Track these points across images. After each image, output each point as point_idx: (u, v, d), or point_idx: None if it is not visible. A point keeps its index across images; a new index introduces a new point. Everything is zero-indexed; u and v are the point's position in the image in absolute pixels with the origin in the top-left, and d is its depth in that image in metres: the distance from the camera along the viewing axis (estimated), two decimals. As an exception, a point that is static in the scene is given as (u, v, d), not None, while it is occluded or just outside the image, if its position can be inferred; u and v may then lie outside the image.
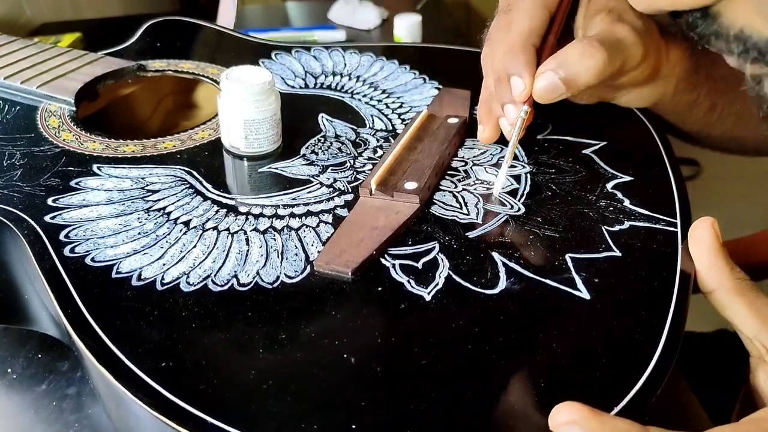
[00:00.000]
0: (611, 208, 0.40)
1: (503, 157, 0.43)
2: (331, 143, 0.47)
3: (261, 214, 0.40)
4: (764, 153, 0.56)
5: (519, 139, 0.41)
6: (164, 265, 0.36)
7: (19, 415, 0.40)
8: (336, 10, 1.00)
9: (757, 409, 0.32)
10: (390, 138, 0.48)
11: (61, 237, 0.37)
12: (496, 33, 0.43)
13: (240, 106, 0.44)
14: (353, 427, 0.27)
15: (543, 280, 0.35)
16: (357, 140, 0.48)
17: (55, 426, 0.40)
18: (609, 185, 0.42)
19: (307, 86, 0.56)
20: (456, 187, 0.42)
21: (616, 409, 0.28)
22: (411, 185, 0.40)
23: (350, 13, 0.99)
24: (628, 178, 0.43)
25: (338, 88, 0.55)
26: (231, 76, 0.45)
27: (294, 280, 0.35)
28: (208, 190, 0.42)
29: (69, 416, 0.40)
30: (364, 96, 0.54)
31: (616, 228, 0.38)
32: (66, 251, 0.36)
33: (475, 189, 0.42)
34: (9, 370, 0.43)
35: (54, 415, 0.40)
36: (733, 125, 0.51)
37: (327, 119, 0.50)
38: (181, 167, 0.44)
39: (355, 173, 0.44)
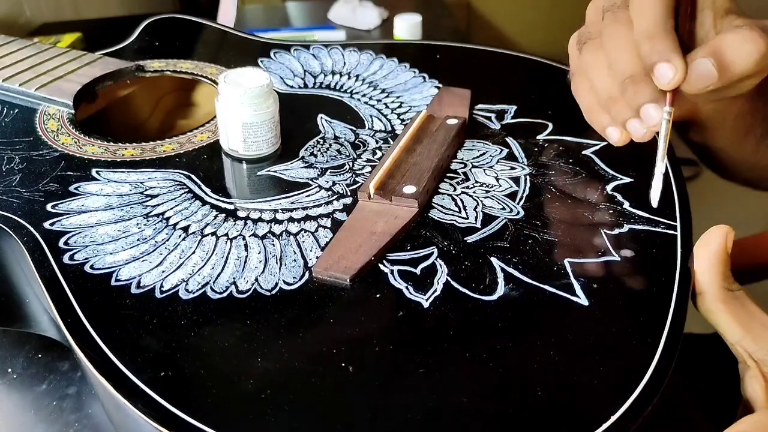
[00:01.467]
0: (611, 211, 0.40)
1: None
2: (330, 145, 0.47)
3: (260, 219, 0.40)
4: None
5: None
6: (163, 272, 0.36)
7: (20, 415, 0.41)
8: (336, 10, 1.00)
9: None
10: (389, 139, 0.48)
11: (61, 244, 0.37)
12: (613, 29, 0.38)
13: (238, 109, 0.44)
14: (351, 437, 0.27)
15: (541, 285, 0.34)
16: (356, 142, 0.48)
17: (55, 426, 0.40)
18: (609, 187, 0.42)
19: (306, 86, 0.56)
20: (455, 190, 0.42)
21: (615, 417, 0.28)
22: (410, 189, 0.40)
23: (350, 13, 0.98)
24: (628, 180, 0.42)
25: (337, 88, 0.55)
26: (229, 79, 0.45)
27: (292, 287, 0.35)
28: (206, 194, 0.42)
29: (69, 416, 0.40)
30: (364, 95, 0.54)
31: (616, 231, 0.38)
32: (65, 258, 0.36)
33: (474, 192, 0.42)
34: (9, 370, 0.43)
35: (54, 414, 0.40)
36: None
37: (326, 120, 0.50)
38: (180, 171, 0.44)
39: (353, 176, 0.44)
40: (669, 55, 0.35)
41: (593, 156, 0.45)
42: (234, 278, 0.35)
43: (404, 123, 0.50)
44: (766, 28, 0.36)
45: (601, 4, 0.40)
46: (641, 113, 0.37)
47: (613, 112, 0.39)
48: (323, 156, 0.46)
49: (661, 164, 0.37)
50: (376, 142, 0.48)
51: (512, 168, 0.44)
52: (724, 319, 0.33)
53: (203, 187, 0.43)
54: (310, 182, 0.43)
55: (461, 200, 0.41)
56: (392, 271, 0.36)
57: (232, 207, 0.41)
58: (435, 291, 0.34)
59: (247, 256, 0.37)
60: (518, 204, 0.41)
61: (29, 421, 0.40)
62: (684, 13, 0.37)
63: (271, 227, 0.39)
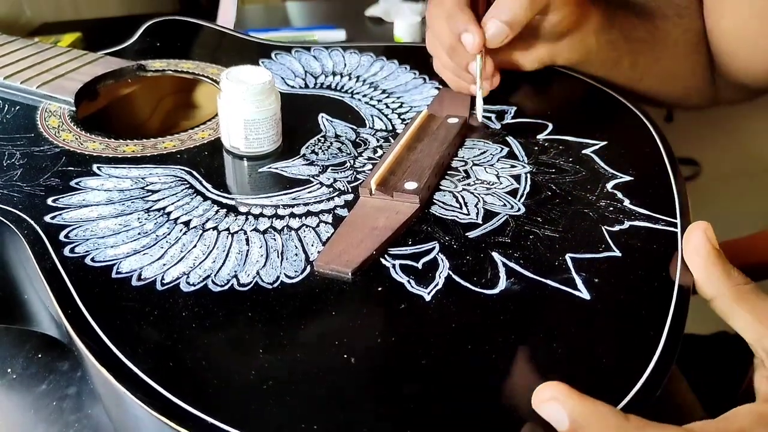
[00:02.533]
0: (611, 208, 0.40)
1: (501, 154, 0.46)
2: (331, 143, 0.47)
3: (261, 214, 0.40)
4: (687, 106, 0.64)
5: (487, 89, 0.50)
6: (164, 265, 0.36)
7: (20, 415, 0.40)
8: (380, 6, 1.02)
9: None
10: (390, 138, 0.48)
11: (61, 237, 0.37)
12: (435, 10, 0.50)
13: (240, 106, 0.44)
14: (353, 427, 0.27)
15: (543, 280, 0.34)
16: (357, 140, 0.48)
17: (55, 426, 0.40)
18: (609, 185, 0.42)
19: (307, 86, 0.56)
20: (456, 187, 0.42)
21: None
22: (411, 185, 0.40)
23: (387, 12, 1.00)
24: (628, 178, 0.43)
25: (338, 88, 0.55)
26: (231, 76, 0.45)
27: (294, 281, 0.35)
28: (208, 190, 0.42)
29: (69, 416, 0.40)
30: (364, 96, 0.54)
31: (616, 228, 0.38)
32: (66, 251, 0.36)
33: (475, 189, 0.42)
34: (9, 370, 0.43)
35: (54, 415, 0.40)
36: (658, 84, 0.58)
37: (327, 119, 0.50)
38: (181, 167, 0.44)
39: (355, 173, 0.44)
40: (467, 26, 0.47)
41: (593, 155, 0.45)
42: (235, 271, 0.35)
43: (405, 122, 0.50)
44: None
45: None
46: (469, 69, 0.50)
47: (453, 69, 0.52)
48: (324, 154, 0.46)
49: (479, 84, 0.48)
50: (377, 140, 0.48)
51: (513, 166, 0.44)
52: (743, 317, 0.32)
53: (204, 183, 0.43)
54: (312, 179, 0.43)
55: (462, 197, 0.41)
56: (394, 266, 0.36)
57: (233, 202, 0.41)
58: (437, 285, 0.34)
59: (248, 250, 0.37)
60: (519, 201, 0.41)
61: (29, 422, 0.40)
62: None
63: (272, 222, 0.39)
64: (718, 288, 0.33)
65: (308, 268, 0.35)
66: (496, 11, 0.47)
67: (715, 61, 0.58)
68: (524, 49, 0.52)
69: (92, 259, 0.36)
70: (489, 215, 0.39)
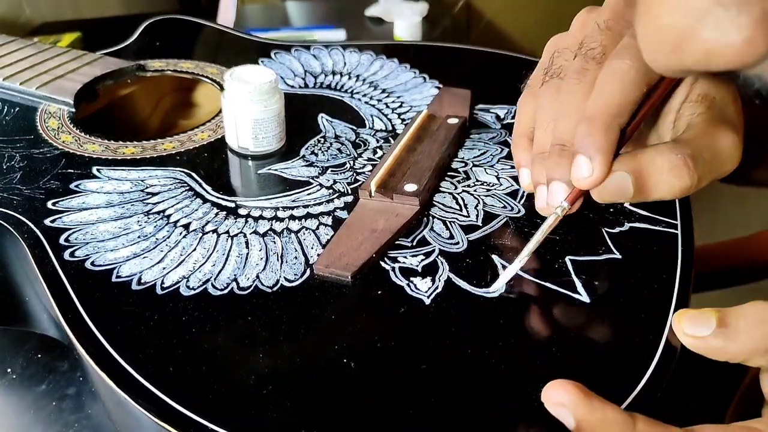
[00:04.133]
0: (611, 210, 0.40)
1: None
2: (331, 144, 0.47)
3: (261, 217, 0.40)
4: None
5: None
6: (164, 268, 0.36)
7: (19, 415, 0.40)
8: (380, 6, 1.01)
9: (755, 402, 0.32)
10: (390, 138, 0.48)
11: (61, 241, 0.37)
12: (577, 83, 0.34)
13: (248, 106, 0.44)
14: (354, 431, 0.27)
15: (543, 283, 0.34)
16: (357, 141, 0.48)
17: (55, 426, 0.40)
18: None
19: (306, 86, 0.56)
20: (456, 188, 0.42)
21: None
22: (411, 187, 0.40)
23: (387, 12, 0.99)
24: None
25: (338, 88, 0.55)
26: (235, 76, 0.45)
27: (294, 284, 0.35)
28: (207, 192, 0.42)
29: (69, 416, 0.40)
30: (364, 95, 0.54)
31: (617, 230, 0.38)
32: (66, 255, 0.36)
33: (475, 190, 0.42)
34: (9, 370, 0.43)
35: (54, 415, 0.40)
36: None
37: (327, 119, 0.50)
38: (181, 169, 0.44)
39: (354, 174, 0.44)
40: (594, 153, 0.32)
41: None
42: (235, 275, 0.35)
43: (405, 122, 0.50)
44: (700, 154, 0.32)
45: (586, 28, 0.37)
46: (549, 185, 0.35)
47: (536, 166, 0.36)
48: (324, 155, 0.46)
49: (525, 256, 0.34)
50: (377, 141, 0.48)
51: (513, 167, 0.44)
52: None
53: (204, 185, 0.43)
54: (311, 180, 0.43)
55: (462, 198, 0.41)
56: (393, 268, 0.36)
57: (233, 205, 0.41)
58: (436, 288, 0.34)
59: (248, 254, 0.37)
60: (519, 202, 0.41)
61: (29, 422, 0.40)
62: (659, 97, 0.34)
63: (272, 225, 0.39)
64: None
65: (308, 272, 0.35)
66: (635, 165, 0.32)
67: None
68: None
69: (92, 263, 0.36)
70: (489, 217, 0.39)
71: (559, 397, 0.27)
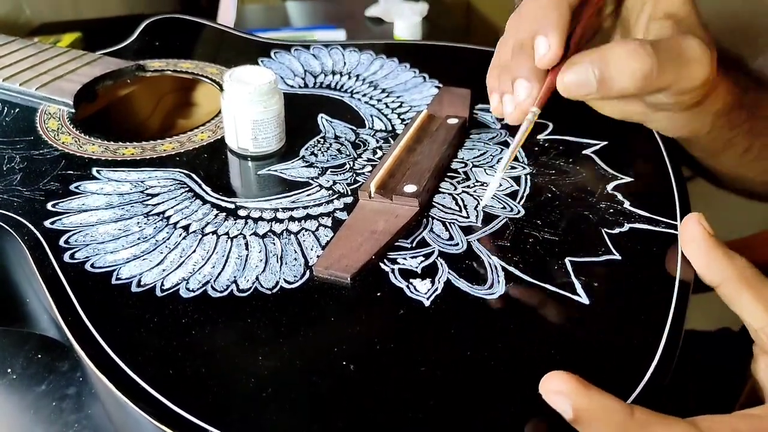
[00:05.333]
0: (611, 210, 0.40)
1: (500, 159, 0.40)
2: (331, 144, 0.47)
3: (260, 218, 0.40)
4: None
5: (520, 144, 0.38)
6: (164, 270, 0.36)
7: (19, 415, 0.40)
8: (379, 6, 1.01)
9: (758, 400, 0.32)
10: (389, 138, 0.48)
11: (61, 242, 0.37)
12: None
13: (247, 107, 0.44)
14: (352, 435, 0.27)
15: (542, 284, 0.34)
16: (356, 141, 0.48)
17: (55, 426, 0.40)
18: (609, 186, 0.42)
19: (306, 85, 0.56)
20: (456, 189, 0.42)
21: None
22: (410, 188, 0.40)
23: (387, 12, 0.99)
24: (628, 179, 0.42)
25: (338, 88, 0.55)
26: (234, 77, 0.45)
27: (293, 286, 0.35)
28: (207, 193, 0.42)
29: (69, 416, 0.40)
30: (364, 95, 0.54)
31: (616, 231, 0.38)
32: (66, 257, 0.36)
33: (474, 191, 0.42)
34: (9, 370, 0.43)
35: (54, 415, 0.40)
36: None
37: (326, 120, 0.50)
38: (181, 170, 0.44)
39: (354, 175, 0.44)
40: (548, 29, 0.34)
41: (593, 156, 0.45)
42: (235, 277, 0.35)
43: (405, 123, 0.50)
44: (663, 47, 0.33)
45: None
46: (514, 86, 0.36)
47: (501, 79, 0.38)
48: (324, 155, 0.46)
49: (503, 166, 0.36)
50: (377, 141, 0.48)
51: (512, 167, 0.44)
52: (749, 303, 0.31)
53: (203, 186, 0.43)
54: (311, 181, 0.43)
55: (462, 199, 0.41)
56: (393, 270, 0.36)
57: (232, 206, 0.41)
58: (436, 289, 0.34)
59: (247, 255, 0.37)
60: (519, 203, 0.41)
61: (29, 422, 0.40)
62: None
63: (271, 226, 0.39)
64: (722, 273, 0.32)
65: (307, 273, 0.35)
66: (595, 55, 0.33)
67: None
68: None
69: (92, 265, 0.36)
70: (488, 218, 0.39)
71: (557, 385, 0.27)
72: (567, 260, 0.36)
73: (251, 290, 0.34)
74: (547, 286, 0.34)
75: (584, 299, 0.34)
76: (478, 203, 0.41)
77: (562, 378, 0.27)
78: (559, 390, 0.27)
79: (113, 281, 0.35)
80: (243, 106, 0.44)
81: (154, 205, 0.41)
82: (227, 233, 0.39)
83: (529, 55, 0.35)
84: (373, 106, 0.52)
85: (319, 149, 0.47)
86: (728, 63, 0.38)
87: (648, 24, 0.37)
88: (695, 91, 0.35)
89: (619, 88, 0.33)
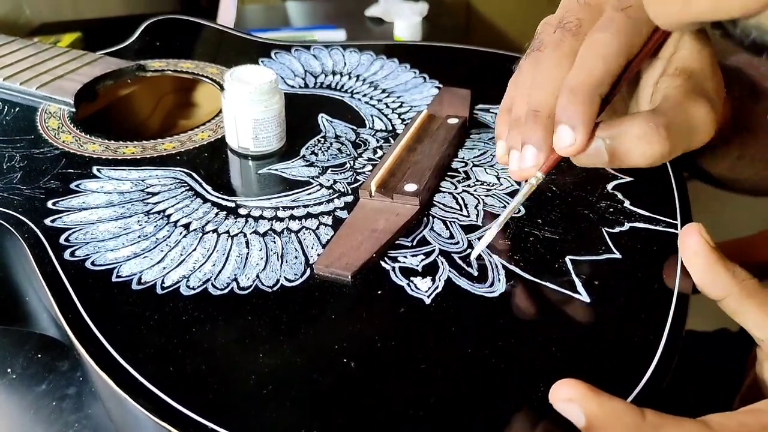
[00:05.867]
0: (611, 209, 0.40)
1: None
2: (331, 144, 0.47)
3: (261, 217, 0.40)
4: None
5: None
6: (164, 268, 0.36)
7: (19, 415, 0.40)
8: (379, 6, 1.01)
9: (760, 395, 0.32)
10: (390, 138, 0.48)
11: (61, 240, 0.37)
12: (553, 53, 0.35)
13: (248, 106, 0.44)
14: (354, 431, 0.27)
15: (543, 282, 0.34)
16: (357, 141, 0.48)
17: (55, 426, 0.40)
18: (609, 186, 0.42)
19: (306, 86, 0.56)
20: (456, 188, 0.42)
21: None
22: (411, 187, 0.40)
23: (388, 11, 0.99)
24: (628, 179, 0.42)
25: (338, 88, 0.55)
26: (235, 76, 0.45)
27: (294, 284, 0.35)
28: (207, 192, 0.42)
29: (69, 416, 0.40)
30: (364, 95, 0.54)
31: (617, 230, 0.38)
32: (66, 255, 0.36)
33: (475, 190, 0.42)
34: (9, 370, 0.43)
35: (54, 415, 0.40)
36: (763, 168, 0.48)
37: (327, 119, 0.50)
38: (181, 169, 0.44)
39: (354, 174, 0.44)
40: (577, 123, 0.33)
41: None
42: (235, 275, 0.35)
43: (405, 122, 0.50)
44: (674, 123, 0.33)
45: (569, 5, 0.37)
46: (522, 150, 0.35)
47: (511, 132, 0.37)
48: (324, 155, 0.46)
49: (500, 221, 0.36)
50: (377, 141, 0.48)
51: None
52: (753, 316, 0.32)
53: (204, 185, 0.43)
54: (312, 180, 0.43)
55: (462, 198, 0.41)
56: (393, 268, 0.36)
57: (233, 205, 0.41)
58: (437, 287, 0.34)
59: (248, 253, 0.37)
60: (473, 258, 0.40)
61: (29, 422, 0.40)
62: (638, 65, 0.35)
63: (272, 225, 0.39)
64: (725, 288, 0.32)
65: (308, 272, 0.35)
66: (610, 132, 0.33)
67: None
68: None
69: (92, 263, 0.36)
70: (489, 217, 0.39)
71: (568, 393, 0.27)
72: (568, 259, 0.36)
73: (252, 288, 0.34)
74: (548, 284, 0.34)
75: (585, 297, 0.34)
76: (479, 202, 0.41)
77: (571, 385, 0.27)
78: (569, 398, 0.27)
79: (114, 279, 0.35)
80: (244, 106, 0.44)
81: (154, 203, 0.41)
82: (228, 232, 0.39)
83: (544, 126, 0.35)
84: (373, 106, 0.52)
85: (320, 149, 0.47)
86: (726, 74, 0.38)
87: (659, 79, 0.36)
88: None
89: (630, 164, 0.34)
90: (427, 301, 0.34)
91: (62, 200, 0.41)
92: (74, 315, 0.33)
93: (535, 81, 0.36)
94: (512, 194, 0.41)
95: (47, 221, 0.39)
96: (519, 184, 0.42)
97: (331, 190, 0.42)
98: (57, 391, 0.42)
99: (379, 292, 0.34)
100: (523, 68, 0.38)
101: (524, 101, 0.36)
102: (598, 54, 0.33)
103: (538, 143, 0.35)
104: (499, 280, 0.35)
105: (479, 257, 0.36)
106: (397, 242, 0.37)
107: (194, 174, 0.44)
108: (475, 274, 0.35)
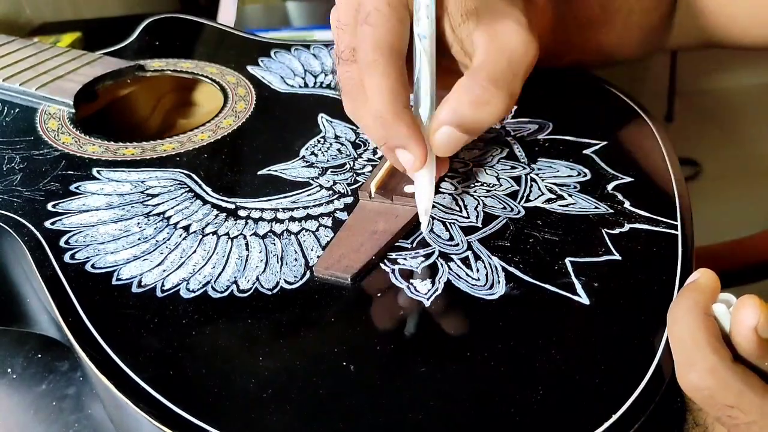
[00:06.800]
0: (612, 210, 0.40)
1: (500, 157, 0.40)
2: (331, 144, 0.47)
3: (260, 218, 0.40)
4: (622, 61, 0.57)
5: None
6: (164, 271, 0.36)
7: (19, 415, 0.40)
8: None
9: None
10: (390, 139, 0.48)
11: (61, 243, 0.37)
12: (352, 91, 0.36)
13: None
14: (353, 436, 0.27)
15: (542, 285, 0.34)
16: (357, 141, 0.48)
17: (55, 426, 0.40)
18: (609, 186, 0.42)
19: (306, 85, 0.56)
20: (456, 189, 0.42)
21: (616, 415, 0.28)
22: (410, 188, 0.40)
23: None
24: (628, 179, 0.42)
25: (338, 87, 0.55)
26: None
27: (294, 286, 0.35)
28: (207, 193, 0.42)
29: (69, 416, 0.40)
30: (364, 95, 0.54)
31: (617, 231, 0.38)
32: (66, 258, 0.36)
33: (474, 191, 0.42)
34: (9, 370, 0.43)
35: (54, 415, 0.40)
36: (602, 57, 0.52)
37: (327, 119, 0.50)
38: (181, 170, 0.44)
39: (354, 175, 0.44)
40: (405, 142, 0.33)
41: (593, 155, 0.45)
42: (235, 277, 0.35)
43: (405, 122, 0.50)
44: (493, 69, 0.34)
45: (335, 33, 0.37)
46: (399, 157, 0.35)
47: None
48: (324, 155, 0.46)
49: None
50: (377, 141, 0.48)
51: (513, 167, 0.44)
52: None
53: (204, 186, 0.43)
54: (311, 181, 0.43)
55: (462, 199, 0.41)
56: (393, 270, 0.36)
57: (233, 206, 0.41)
58: (437, 290, 0.34)
59: (248, 256, 0.37)
60: (519, 203, 0.41)
61: (29, 422, 0.40)
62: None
63: (272, 227, 0.39)
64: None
65: (308, 274, 0.36)
66: (450, 116, 0.34)
67: (703, 24, 0.54)
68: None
69: (92, 266, 0.36)
70: (489, 218, 0.39)
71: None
72: (567, 260, 0.36)
73: (252, 291, 0.34)
74: (548, 286, 0.34)
75: (584, 300, 0.34)
76: (478, 203, 0.41)
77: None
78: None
79: (114, 282, 0.35)
80: None
81: (154, 205, 0.41)
82: (227, 233, 0.39)
83: (389, 150, 0.36)
84: (373, 106, 0.52)
85: (320, 149, 0.47)
86: None
87: (455, 31, 0.36)
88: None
89: (486, 126, 0.35)
90: (427, 303, 0.34)
91: (62, 202, 0.41)
92: (74, 318, 0.33)
93: (354, 117, 0.37)
94: (512, 195, 0.41)
95: (47, 224, 0.39)
96: (518, 182, 0.42)
97: (330, 191, 0.42)
98: (57, 391, 0.42)
99: (379, 294, 0.34)
100: (344, 83, 0.37)
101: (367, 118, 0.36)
102: (374, 73, 0.33)
103: (403, 142, 0.34)
104: (499, 282, 0.35)
105: (479, 257, 0.36)
106: (396, 244, 0.37)
107: (194, 175, 0.44)
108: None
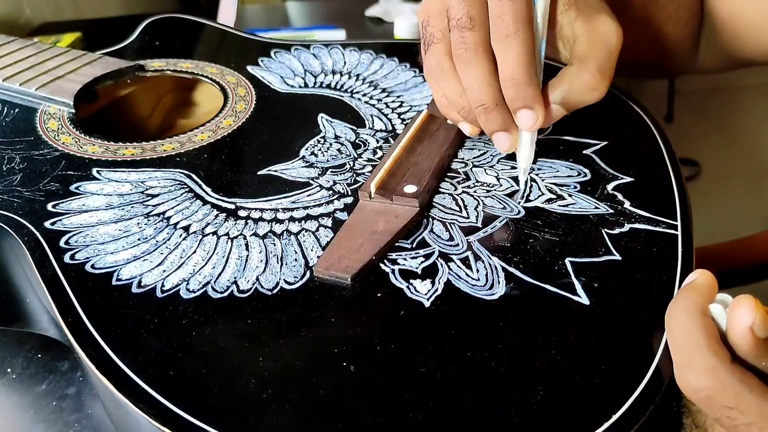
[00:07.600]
0: (612, 211, 0.40)
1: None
2: (331, 144, 0.47)
3: (260, 219, 0.40)
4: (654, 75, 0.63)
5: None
6: (164, 271, 0.36)
7: (19, 415, 0.40)
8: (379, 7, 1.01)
9: None
10: (390, 138, 0.48)
11: (61, 243, 0.37)
12: (465, 54, 0.39)
13: None
14: (353, 436, 0.27)
15: (542, 285, 0.34)
16: (356, 141, 0.48)
17: (54, 426, 0.40)
18: (609, 186, 0.42)
19: (306, 85, 0.56)
20: (456, 189, 0.42)
21: (617, 415, 0.28)
22: (411, 188, 0.40)
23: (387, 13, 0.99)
24: (628, 179, 0.42)
25: (338, 87, 0.55)
26: None
27: (293, 286, 0.35)
28: (207, 193, 0.42)
29: (69, 416, 0.40)
30: (364, 95, 0.54)
31: (617, 231, 0.38)
32: (66, 258, 0.36)
33: (475, 191, 0.42)
34: (9, 370, 0.43)
35: (54, 414, 0.40)
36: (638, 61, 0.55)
37: (327, 120, 0.50)
38: (181, 170, 0.44)
39: (354, 175, 0.44)
40: (532, 103, 0.39)
41: (593, 155, 0.45)
42: (235, 278, 0.35)
43: (405, 122, 0.50)
44: (600, 60, 0.39)
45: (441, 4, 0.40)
46: (494, 138, 0.41)
47: (469, 120, 0.42)
48: (324, 155, 0.46)
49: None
50: (377, 141, 0.48)
51: (513, 167, 0.44)
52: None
53: (204, 186, 0.43)
54: (311, 182, 0.43)
55: (462, 200, 0.41)
56: (393, 271, 0.36)
57: (232, 206, 0.41)
58: (437, 290, 0.34)
59: (248, 256, 0.37)
60: (519, 203, 0.41)
61: (29, 422, 0.40)
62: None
63: (272, 227, 0.39)
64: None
65: (308, 274, 0.35)
66: (561, 94, 0.40)
67: (716, 37, 0.56)
68: None
69: (92, 266, 0.36)
70: (489, 218, 0.39)
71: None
72: (567, 261, 0.36)
73: (251, 291, 0.34)
74: (548, 286, 0.34)
75: (584, 300, 0.34)
76: (478, 203, 0.41)
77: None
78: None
79: (114, 282, 0.35)
80: None
81: (154, 205, 0.41)
82: (227, 234, 0.39)
83: (498, 112, 0.40)
84: (373, 105, 0.52)
85: (319, 149, 0.47)
86: None
87: (557, 19, 0.42)
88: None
89: (581, 105, 0.41)
90: (427, 303, 0.34)
91: (62, 203, 0.41)
92: (74, 318, 0.33)
93: (465, 84, 0.39)
94: (512, 195, 0.41)
95: (47, 224, 0.39)
96: (518, 182, 0.42)
97: (330, 192, 0.42)
98: (57, 391, 0.42)
99: (379, 294, 0.34)
100: (432, 67, 0.41)
101: (460, 99, 0.40)
102: (515, 42, 0.38)
103: (502, 125, 0.40)
104: (499, 282, 0.35)
105: (479, 258, 0.36)
106: (396, 244, 0.37)
107: (194, 175, 0.44)
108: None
